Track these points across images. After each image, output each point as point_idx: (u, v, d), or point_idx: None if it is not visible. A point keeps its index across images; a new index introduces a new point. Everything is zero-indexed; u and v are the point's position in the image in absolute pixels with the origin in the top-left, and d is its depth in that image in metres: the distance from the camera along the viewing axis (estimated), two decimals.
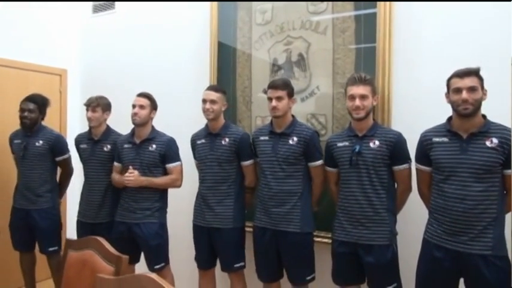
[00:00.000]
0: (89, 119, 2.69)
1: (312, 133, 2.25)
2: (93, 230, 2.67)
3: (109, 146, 2.71)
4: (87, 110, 2.69)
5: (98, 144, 2.73)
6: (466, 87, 1.75)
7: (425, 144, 1.93)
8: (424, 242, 1.93)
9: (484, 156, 1.75)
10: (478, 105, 1.77)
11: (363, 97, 2.01)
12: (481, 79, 1.78)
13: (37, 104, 2.82)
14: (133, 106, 2.54)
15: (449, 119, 1.90)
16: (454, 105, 1.80)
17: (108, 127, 2.78)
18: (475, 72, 1.77)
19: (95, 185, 2.71)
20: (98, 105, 2.69)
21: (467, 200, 1.76)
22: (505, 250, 1.76)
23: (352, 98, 2.02)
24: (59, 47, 3.69)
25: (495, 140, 1.75)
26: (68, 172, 2.94)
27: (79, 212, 2.78)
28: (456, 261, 1.79)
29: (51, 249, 2.79)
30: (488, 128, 1.78)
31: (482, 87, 1.78)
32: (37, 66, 3.48)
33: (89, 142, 2.76)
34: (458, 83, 1.78)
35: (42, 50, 3.54)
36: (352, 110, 2.04)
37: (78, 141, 2.85)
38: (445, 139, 1.85)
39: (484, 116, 1.82)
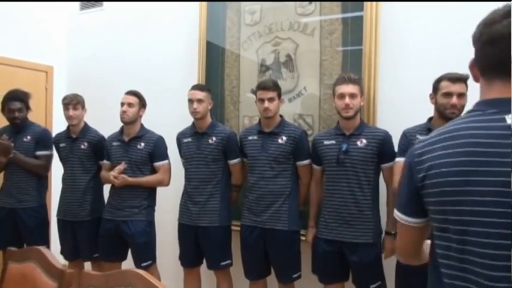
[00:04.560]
0: (71, 118, 2.67)
1: (301, 133, 2.29)
2: (74, 228, 2.69)
3: (86, 144, 2.70)
4: (67, 108, 2.66)
5: (76, 142, 2.72)
6: (457, 92, 1.81)
7: (410, 138, 1.96)
8: None
9: None
10: (462, 110, 1.84)
11: (352, 96, 2.04)
12: (467, 86, 1.85)
13: (23, 101, 2.80)
14: (122, 104, 2.53)
15: (430, 119, 1.96)
16: (441, 108, 1.85)
17: (85, 124, 2.77)
18: (464, 79, 1.83)
19: (74, 183, 2.70)
20: (78, 102, 2.69)
21: None
22: None
23: (342, 96, 2.05)
24: (45, 43, 3.65)
25: None
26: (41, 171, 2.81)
27: (59, 211, 2.76)
28: None
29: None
30: None
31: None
32: (23, 63, 3.44)
33: (68, 140, 2.75)
34: (450, 87, 1.83)
35: (28, 46, 3.49)
36: (342, 108, 2.06)
37: (57, 140, 2.82)
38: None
39: None
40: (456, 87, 1.82)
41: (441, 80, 1.87)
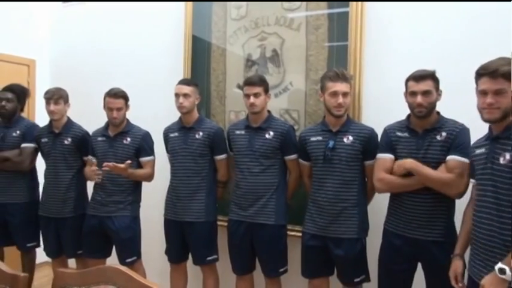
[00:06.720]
0: (52, 112, 2.61)
1: (288, 128, 2.29)
2: (57, 225, 2.64)
3: (70, 139, 2.64)
4: (48, 103, 2.61)
5: (58, 138, 2.66)
6: (420, 91, 1.81)
7: (390, 135, 1.97)
8: (385, 231, 2.01)
9: (437, 150, 1.83)
10: (432, 107, 1.85)
11: (345, 94, 2.04)
12: (436, 81, 1.84)
13: (15, 93, 2.74)
14: (110, 109, 2.47)
15: (409, 116, 1.96)
16: (410, 107, 1.87)
17: (68, 119, 2.72)
18: (430, 76, 1.83)
19: (57, 179, 2.64)
20: (61, 97, 2.62)
21: (422, 194, 1.85)
22: (455, 236, 1.83)
23: (335, 94, 2.03)
24: (27, 36, 3.57)
25: (444, 133, 1.83)
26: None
27: (41, 207, 2.71)
28: (413, 247, 1.88)
29: (29, 245, 2.73)
30: (441, 124, 1.86)
31: (437, 89, 1.85)
32: (4, 56, 3.36)
33: (50, 135, 2.68)
34: (413, 86, 1.83)
35: (9, 39, 3.41)
36: (334, 107, 2.04)
37: (39, 135, 2.75)
38: (406, 134, 1.93)
39: (438, 113, 1.90)
40: (420, 86, 1.81)
41: (408, 80, 1.88)
